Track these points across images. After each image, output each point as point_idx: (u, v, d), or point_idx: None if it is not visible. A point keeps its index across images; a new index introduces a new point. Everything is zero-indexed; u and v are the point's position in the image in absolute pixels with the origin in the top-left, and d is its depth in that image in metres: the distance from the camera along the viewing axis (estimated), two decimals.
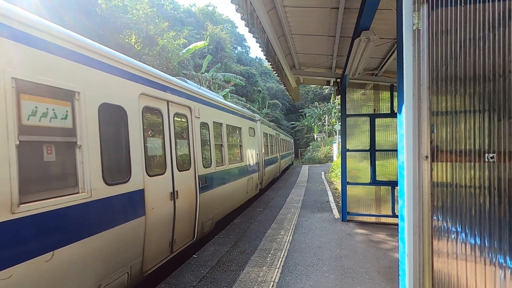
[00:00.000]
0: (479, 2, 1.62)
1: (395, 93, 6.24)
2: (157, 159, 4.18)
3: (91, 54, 2.96)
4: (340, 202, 6.98)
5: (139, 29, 16.51)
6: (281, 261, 4.37)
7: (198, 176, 5.11)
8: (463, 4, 1.66)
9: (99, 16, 15.64)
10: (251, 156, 9.16)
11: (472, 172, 1.66)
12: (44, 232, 2.38)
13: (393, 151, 6.21)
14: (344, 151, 6.47)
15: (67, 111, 2.69)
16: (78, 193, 2.71)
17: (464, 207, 1.68)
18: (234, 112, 7.89)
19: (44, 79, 2.43)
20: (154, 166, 4.06)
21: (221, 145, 6.62)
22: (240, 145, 8.21)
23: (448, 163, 1.73)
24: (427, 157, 1.78)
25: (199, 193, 5.07)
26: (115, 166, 3.30)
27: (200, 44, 20.77)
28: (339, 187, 9.23)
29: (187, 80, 6.09)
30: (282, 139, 19.44)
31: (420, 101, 1.78)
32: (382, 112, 6.38)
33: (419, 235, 1.81)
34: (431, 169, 1.77)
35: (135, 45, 16.45)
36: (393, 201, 6.13)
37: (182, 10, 51.38)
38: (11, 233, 2.13)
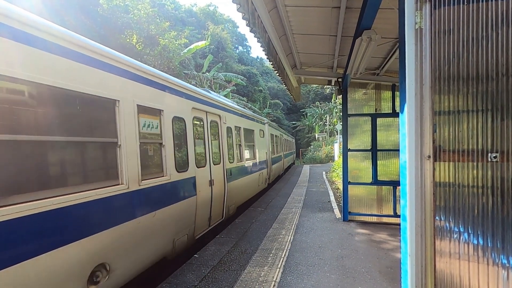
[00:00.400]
0: (482, 1, 1.61)
1: (397, 93, 6.22)
2: (201, 155, 5.50)
3: (169, 84, 4.43)
4: (342, 202, 6.97)
5: (140, 29, 16.51)
6: (282, 261, 4.37)
7: (226, 169, 6.49)
8: (465, 3, 1.65)
9: (100, 16, 15.65)
10: (261, 154, 10.68)
11: (475, 171, 1.65)
12: (152, 199, 3.77)
13: (394, 150, 6.20)
14: (345, 151, 6.46)
15: (157, 123, 4.09)
16: (163, 176, 4.08)
17: (467, 207, 1.67)
18: (249, 117, 9.42)
19: (148, 103, 3.85)
20: (200, 160, 5.37)
21: (240, 144, 8.00)
22: (253, 145, 9.62)
23: (451, 162, 1.72)
24: (429, 156, 1.77)
25: (226, 182, 6.47)
26: (181, 159, 4.65)
27: (201, 44, 20.77)
28: (341, 187, 9.21)
29: (210, 91, 7.37)
30: (285, 139, 20.88)
31: (423, 100, 1.78)
32: (383, 112, 6.37)
33: (421, 235, 1.80)
34: (434, 169, 1.77)
35: (137, 45, 16.46)
36: (395, 201, 6.12)
37: (183, 10, 51.36)
38: (138, 198, 3.52)
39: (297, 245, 5.03)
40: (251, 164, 8.94)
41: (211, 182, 5.67)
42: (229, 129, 7.08)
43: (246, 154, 8.60)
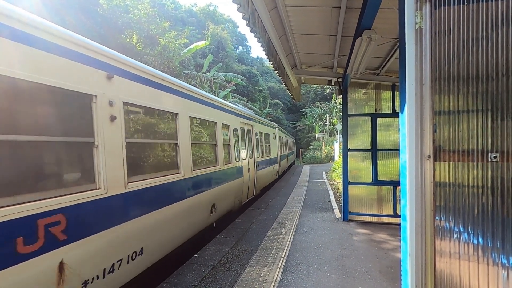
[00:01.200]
0: (482, 1, 1.61)
1: (397, 93, 6.22)
2: (244, 152, 8.40)
3: (233, 110, 7.55)
4: (342, 201, 6.97)
5: (140, 29, 16.51)
6: (282, 260, 4.37)
7: (255, 162, 9.55)
8: (465, 3, 1.65)
9: (101, 16, 15.65)
10: (274, 152, 13.85)
11: (475, 171, 1.65)
12: (228, 175, 6.59)
13: (394, 150, 6.20)
14: (345, 150, 6.46)
15: (227, 133, 6.86)
16: (230, 163, 6.86)
17: (467, 207, 1.67)
18: (267, 124, 13.11)
19: (225, 122, 6.68)
20: (243, 156, 8.22)
21: (262, 145, 11.18)
22: (269, 145, 12.75)
23: (451, 162, 1.72)
24: (429, 156, 1.77)
25: (256, 170, 9.54)
26: (236, 154, 7.47)
27: (201, 43, 20.77)
28: (341, 187, 9.22)
29: (238, 104, 11.16)
30: (289, 140, 24.35)
31: (423, 100, 1.78)
32: (383, 112, 6.37)
33: (421, 235, 1.80)
34: (434, 169, 1.77)
35: (137, 45, 16.46)
36: (395, 201, 6.12)
37: (183, 10, 51.32)
38: (224, 173, 6.37)
39: (297, 245, 5.03)
40: (268, 159, 12.22)
41: (248, 170, 8.58)
42: (256, 134, 10.24)
43: (265, 152, 11.85)
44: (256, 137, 10.05)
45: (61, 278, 2.41)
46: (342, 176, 6.81)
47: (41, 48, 2.40)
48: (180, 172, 4.43)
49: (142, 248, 3.47)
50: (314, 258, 4.46)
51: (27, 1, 11.82)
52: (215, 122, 6.09)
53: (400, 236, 2.03)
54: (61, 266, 2.41)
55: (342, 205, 6.85)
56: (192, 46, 20.32)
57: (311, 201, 9.16)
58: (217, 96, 20.71)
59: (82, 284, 2.63)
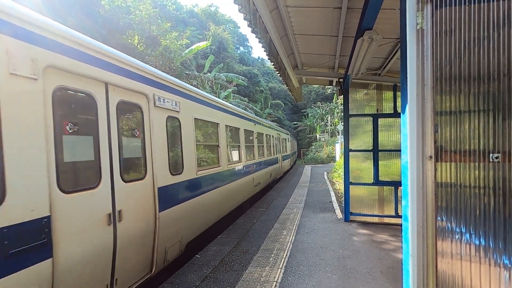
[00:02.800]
0: (483, 2, 1.61)
1: (398, 93, 6.21)
2: (277, 150, 15.24)
3: (273, 126, 15.06)
4: (343, 202, 6.96)
5: (142, 30, 16.55)
6: (283, 261, 4.37)
7: (281, 156, 16.14)
8: (467, 4, 1.65)
9: (102, 16, 15.69)
10: (288, 151, 20.43)
11: (477, 172, 1.65)
12: (273, 161, 13.54)
13: (396, 151, 6.19)
14: (347, 151, 6.45)
15: (273, 139, 14.26)
16: (275, 156, 14.24)
17: (469, 207, 1.67)
18: (284, 132, 19.56)
19: (272, 134, 13.98)
20: (277, 152, 15.01)
21: (282, 145, 17.15)
22: (285, 146, 19.07)
23: (452, 163, 1.72)
24: (431, 157, 1.77)
25: (281, 161, 16.24)
26: (276, 151, 14.61)
27: (202, 44, 20.80)
28: (342, 188, 9.21)
29: (265, 119, 17.97)
30: (293, 142, 30.06)
31: (424, 101, 1.78)
32: (385, 112, 6.36)
33: (423, 236, 1.80)
34: (435, 169, 1.77)
35: (138, 46, 16.50)
36: (396, 201, 6.11)
37: (185, 10, 51.41)
38: (274, 160, 13.60)
39: (298, 246, 5.03)
40: (286, 155, 18.58)
41: (278, 160, 14.76)
42: (281, 139, 16.72)
43: (284, 150, 17.97)
44: (281, 141, 16.70)
45: (253, 181, 8.98)
46: (343, 176, 6.80)
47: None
48: (264, 156, 10.66)
49: (260, 182, 9.89)
50: (315, 258, 4.46)
51: (28, 1, 11.85)
52: (270, 135, 12.68)
53: (401, 236, 2.02)
54: (254, 177, 9.01)
55: (343, 205, 6.84)
56: (193, 47, 20.36)
57: (313, 201, 9.15)
58: (218, 97, 20.80)
59: (255, 185, 9.27)
